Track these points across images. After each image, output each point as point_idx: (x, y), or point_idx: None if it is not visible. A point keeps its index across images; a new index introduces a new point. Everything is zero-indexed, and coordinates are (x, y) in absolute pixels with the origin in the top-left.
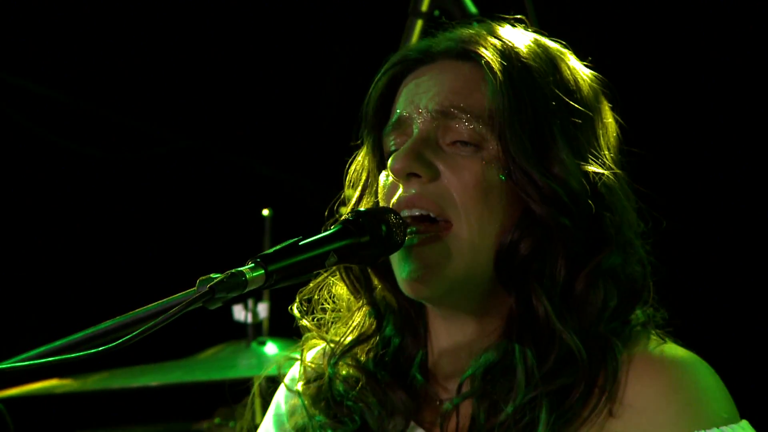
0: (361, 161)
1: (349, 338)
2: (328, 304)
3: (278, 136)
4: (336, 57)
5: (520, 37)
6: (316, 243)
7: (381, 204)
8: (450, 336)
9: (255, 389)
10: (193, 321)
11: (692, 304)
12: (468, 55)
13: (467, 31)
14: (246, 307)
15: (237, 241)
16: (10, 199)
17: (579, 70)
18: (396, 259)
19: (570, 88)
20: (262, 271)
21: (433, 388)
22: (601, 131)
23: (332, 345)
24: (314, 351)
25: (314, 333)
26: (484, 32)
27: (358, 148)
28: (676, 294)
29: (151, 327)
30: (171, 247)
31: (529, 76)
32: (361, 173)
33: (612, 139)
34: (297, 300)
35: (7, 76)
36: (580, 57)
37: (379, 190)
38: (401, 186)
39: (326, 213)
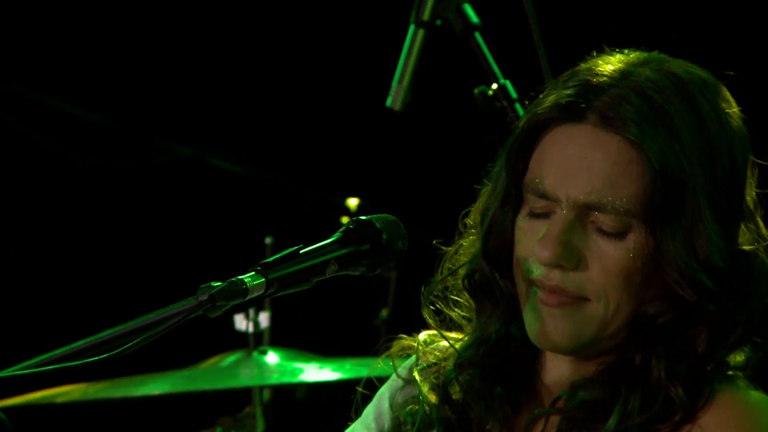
0: (494, 183)
1: (473, 350)
2: (453, 304)
3: (281, 146)
4: (338, 64)
5: (666, 87)
6: (316, 251)
7: (517, 254)
8: (565, 362)
9: (257, 398)
10: (194, 330)
11: None
12: (623, 126)
13: (614, 93)
14: (247, 317)
15: (238, 249)
16: (7, 207)
17: (730, 121)
18: (524, 303)
19: (725, 163)
20: (263, 279)
21: (532, 396)
22: (752, 205)
23: (457, 344)
24: (432, 344)
25: (435, 329)
26: (629, 90)
27: (369, 158)
28: None
29: (152, 335)
30: (171, 255)
31: (685, 155)
32: (492, 199)
33: (758, 210)
34: (423, 297)
35: (8, 83)
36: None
37: (517, 237)
38: (543, 268)
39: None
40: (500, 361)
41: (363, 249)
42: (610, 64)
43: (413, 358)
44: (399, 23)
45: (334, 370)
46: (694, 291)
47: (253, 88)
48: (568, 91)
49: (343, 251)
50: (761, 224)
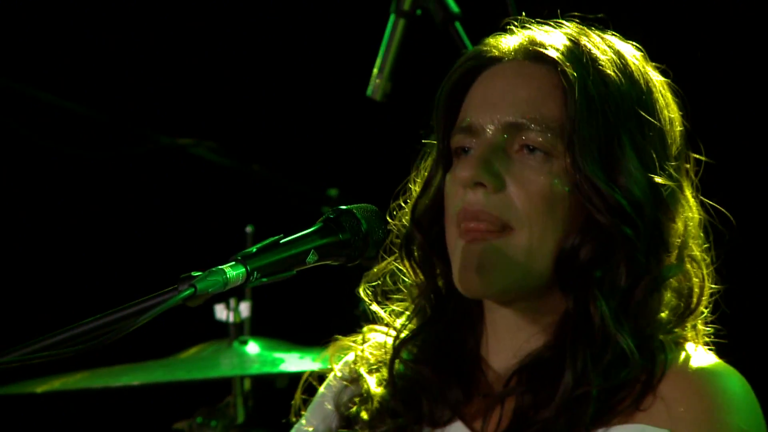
0: (428, 150)
1: (410, 326)
2: (393, 293)
3: (261, 136)
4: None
5: (596, 42)
6: (296, 241)
7: (446, 205)
8: (504, 331)
9: (237, 388)
10: (174, 320)
11: (748, 319)
12: (544, 58)
13: (543, 32)
14: (228, 307)
15: (219, 239)
16: None
17: (652, 77)
18: (453, 257)
19: (643, 98)
20: (243, 269)
21: (482, 382)
22: (669, 136)
23: (396, 335)
24: (371, 340)
25: (375, 319)
26: (561, 34)
27: (351, 147)
28: (732, 308)
29: (133, 325)
30: (152, 245)
31: (603, 85)
32: (427, 162)
33: (679, 149)
34: (362, 285)
35: None
36: None
37: (446, 191)
38: (467, 193)
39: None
40: (442, 345)
41: (343, 238)
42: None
43: (352, 356)
44: (379, 13)
45: (314, 360)
46: (611, 214)
47: (234, 79)
48: (491, 39)
49: (324, 241)
50: (687, 185)
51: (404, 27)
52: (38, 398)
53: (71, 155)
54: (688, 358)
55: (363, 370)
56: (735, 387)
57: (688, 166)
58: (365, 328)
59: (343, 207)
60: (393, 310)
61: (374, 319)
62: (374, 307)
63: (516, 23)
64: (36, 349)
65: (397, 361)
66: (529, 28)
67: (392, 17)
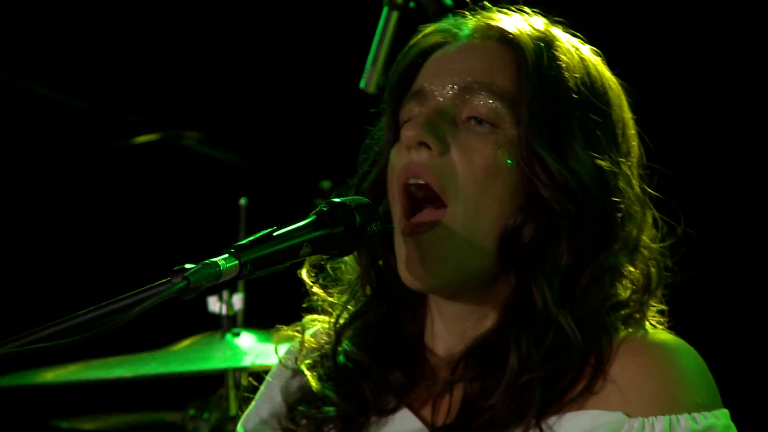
0: (378, 131)
1: (348, 310)
2: (333, 281)
3: (255, 128)
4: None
5: (555, 31)
6: (289, 233)
7: (389, 179)
8: (449, 318)
9: (230, 380)
10: (167, 312)
11: (700, 309)
12: (500, 36)
13: (501, 14)
14: (221, 299)
15: (212, 231)
16: None
17: (606, 73)
18: (396, 245)
19: (596, 86)
20: (236, 262)
21: (428, 369)
22: (620, 133)
23: (334, 320)
24: (314, 329)
25: (316, 309)
26: (519, 17)
27: (343, 139)
28: (684, 298)
29: (126, 317)
30: (145, 237)
31: (557, 65)
32: (377, 143)
33: (631, 146)
34: (305, 267)
35: None
36: None
37: (390, 162)
38: (410, 154)
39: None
40: (383, 330)
41: (336, 231)
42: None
43: (296, 344)
44: (373, 5)
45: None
46: (555, 189)
47: (228, 72)
48: (449, 19)
49: (317, 233)
50: (633, 173)
51: (397, 19)
52: (31, 390)
53: (65, 147)
54: (637, 337)
55: (305, 362)
56: (686, 361)
57: (640, 170)
58: (306, 318)
59: (337, 199)
60: (336, 300)
61: (322, 310)
62: (316, 289)
63: (475, 8)
64: (29, 341)
65: (339, 349)
66: (487, 12)
67: (385, 9)
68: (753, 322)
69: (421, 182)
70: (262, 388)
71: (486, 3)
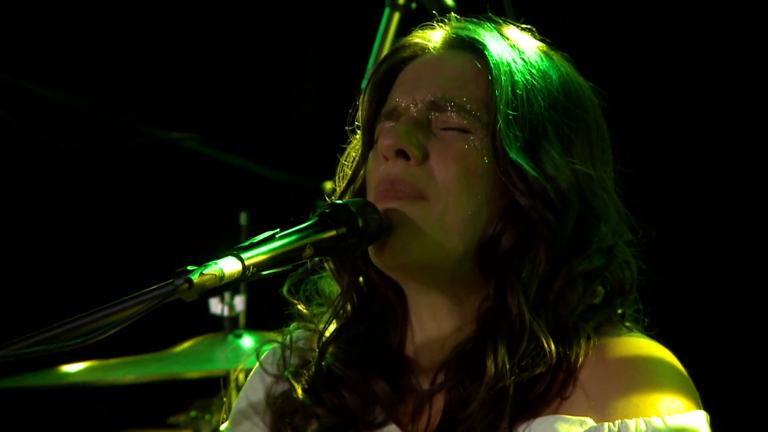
0: (353, 148)
1: (333, 325)
2: (315, 293)
3: (257, 129)
4: (312, 49)
5: (523, 38)
6: (292, 235)
7: (368, 186)
8: (428, 326)
9: (232, 382)
10: (169, 314)
11: (675, 314)
12: (470, 46)
13: (470, 25)
14: (222, 300)
15: (214, 233)
16: None
17: (578, 77)
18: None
19: (569, 91)
20: (239, 264)
21: (411, 380)
22: (595, 139)
23: (318, 331)
24: (297, 336)
25: (302, 316)
26: (489, 27)
27: (344, 140)
28: (659, 302)
29: (129, 319)
30: (148, 239)
31: (528, 73)
32: (353, 160)
33: (605, 151)
34: (287, 284)
35: None
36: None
37: (367, 173)
38: (387, 166)
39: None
40: (366, 344)
41: (339, 233)
42: None
43: (278, 350)
44: (375, 6)
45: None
46: (533, 197)
47: (229, 73)
48: (418, 32)
49: (319, 235)
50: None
51: (399, 20)
52: (34, 392)
53: (67, 148)
54: (609, 341)
55: (290, 372)
56: (658, 363)
57: (614, 174)
58: (291, 326)
59: (339, 201)
60: (318, 311)
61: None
62: (300, 307)
63: (444, 19)
64: (31, 344)
65: (323, 363)
66: (456, 22)
67: (387, 10)
68: (732, 324)
69: (398, 190)
70: (242, 393)
71: (453, 14)
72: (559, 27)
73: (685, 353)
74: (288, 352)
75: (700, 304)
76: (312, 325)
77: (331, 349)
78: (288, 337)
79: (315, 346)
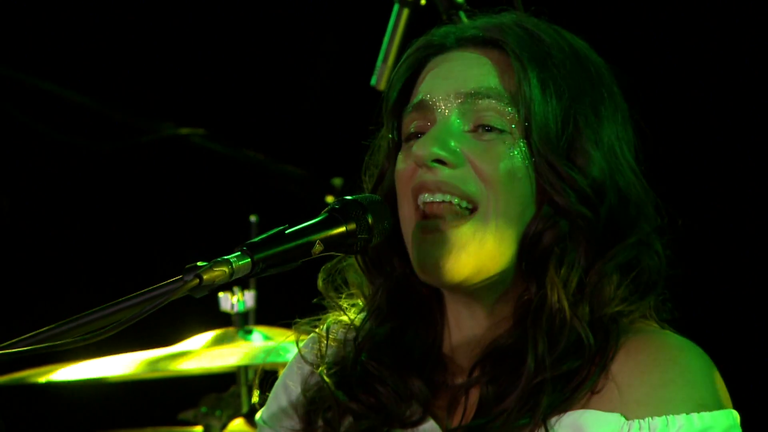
0: (378, 143)
1: (368, 325)
2: (344, 285)
3: (266, 125)
4: (320, 45)
5: (544, 28)
6: (301, 231)
7: (398, 188)
8: (465, 322)
9: (241, 378)
10: (179, 310)
11: (704, 301)
12: (494, 43)
13: (492, 20)
14: (232, 296)
15: (223, 229)
16: None
17: (597, 59)
18: (412, 243)
19: (593, 80)
20: (249, 260)
21: (446, 376)
22: (623, 125)
23: (351, 324)
24: (332, 328)
25: (337, 311)
26: (509, 21)
27: (353, 136)
28: (688, 290)
29: (139, 315)
30: (157, 235)
31: (553, 66)
32: (379, 155)
33: (632, 135)
34: (321, 277)
35: None
36: None
37: (396, 173)
38: (424, 173)
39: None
40: (402, 342)
41: (348, 229)
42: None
43: (316, 339)
44: (384, 2)
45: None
46: (570, 196)
47: (238, 69)
48: (441, 29)
49: (329, 231)
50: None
51: (408, 16)
52: (38, 388)
53: (74, 145)
54: (641, 336)
55: (324, 366)
56: (688, 360)
57: (641, 155)
58: (330, 318)
59: (349, 197)
60: (354, 303)
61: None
62: (334, 300)
63: (465, 14)
64: (41, 340)
65: (359, 360)
66: (478, 18)
67: (396, 6)
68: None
69: (439, 199)
70: (279, 379)
71: (467, 8)
72: (566, 20)
73: (715, 351)
74: (324, 343)
75: (727, 297)
76: (345, 318)
77: (366, 346)
78: (324, 327)
79: (348, 337)
